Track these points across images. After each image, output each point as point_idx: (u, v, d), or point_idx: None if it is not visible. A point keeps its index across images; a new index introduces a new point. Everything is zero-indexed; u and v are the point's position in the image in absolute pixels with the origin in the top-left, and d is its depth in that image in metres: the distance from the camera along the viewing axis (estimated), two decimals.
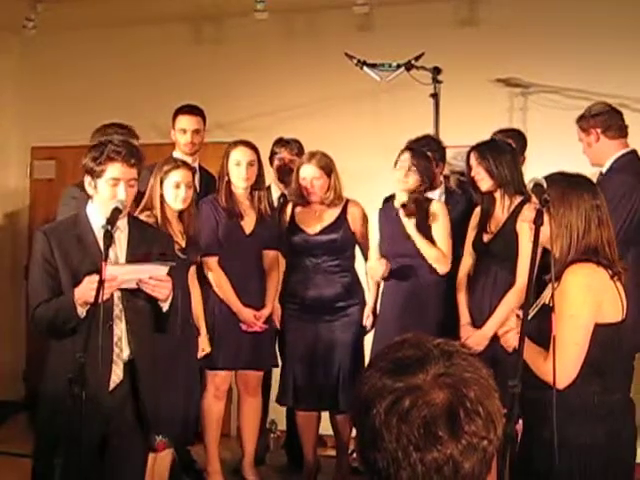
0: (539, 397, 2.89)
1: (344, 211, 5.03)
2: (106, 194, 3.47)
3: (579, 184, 3.07)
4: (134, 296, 3.50)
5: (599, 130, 4.61)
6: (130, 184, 3.49)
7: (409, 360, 1.42)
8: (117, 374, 3.51)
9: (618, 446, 2.98)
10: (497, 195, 4.52)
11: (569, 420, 2.85)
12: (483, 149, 4.52)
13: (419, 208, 4.70)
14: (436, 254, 4.67)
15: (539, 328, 2.94)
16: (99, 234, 3.42)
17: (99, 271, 3.19)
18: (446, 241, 4.72)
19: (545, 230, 2.99)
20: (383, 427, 1.37)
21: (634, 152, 4.64)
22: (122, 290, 3.46)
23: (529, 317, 3.02)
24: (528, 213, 3.13)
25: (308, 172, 4.96)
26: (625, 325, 3.00)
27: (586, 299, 2.92)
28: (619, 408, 3.01)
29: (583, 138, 4.69)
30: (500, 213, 4.52)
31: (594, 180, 4.47)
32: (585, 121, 4.66)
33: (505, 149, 4.57)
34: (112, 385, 3.50)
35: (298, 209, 5.09)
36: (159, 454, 4.56)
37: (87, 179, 3.52)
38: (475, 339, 4.38)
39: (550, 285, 3.02)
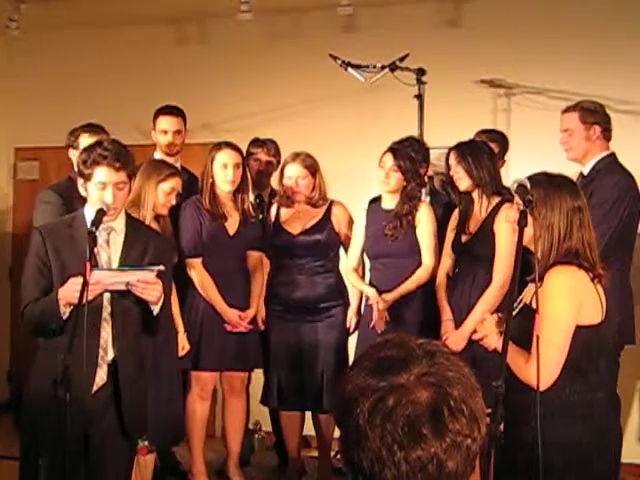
0: (520, 398, 2.91)
1: (328, 212, 5.03)
2: (95, 197, 3.47)
3: (561, 185, 3.08)
4: (123, 298, 3.49)
5: (600, 127, 4.60)
6: (118, 187, 3.47)
7: (392, 360, 1.43)
8: (101, 376, 3.50)
9: (601, 445, 2.99)
10: (475, 195, 4.55)
11: (549, 420, 2.86)
12: (463, 149, 4.55)
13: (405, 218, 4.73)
14: (423, 279, 4.71)
15: (519, 328, 2.95)
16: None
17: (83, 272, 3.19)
18: (430, 243, 4.75)
19: (528, 231, 3.01)
20: (367, 426, 1.37)
21: (614, 155, 4.66)
22: (112, 292, 3.47)
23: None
24: (512, 213, 3.15)
25: (293, 171, 4.96)
26: (607, 325, 3.01)
27: (567, 302, 2.93)
28: (601, 406, 3.02)
29: (579, 129, 4.61)
30: (478, 213, 4.55)
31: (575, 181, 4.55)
32: (590, 114, 4.60)
33: (484, 150, 4.60)
34: (95, 388, 3.48)
35: (282, 210, 5.10)
36: (143, 458, 4.58)
37: (80, 181, 3.53)
38: (454, 339, 4.39)
39: (530, 285, 3.04)
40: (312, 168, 4.97)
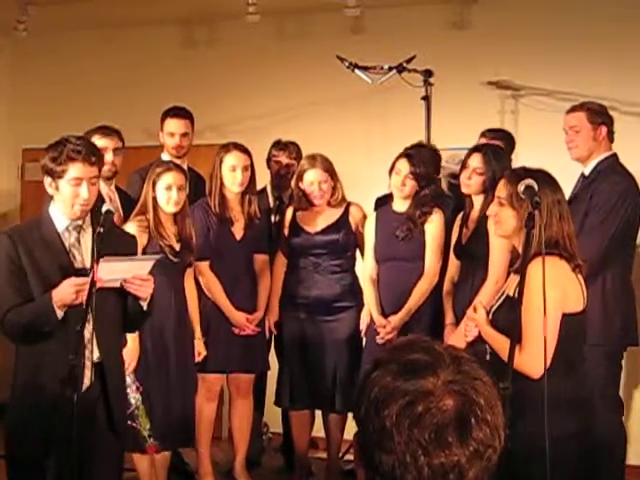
0: (515, 390, 2.92)
1: (346, 212, 5.02)
2: (68, 194, 3.41)
3: (540, 179, 3.12)
4: (103, 298, 3.39)
5: (607, 128, 4.61)
6: (92, 182, 3.44)
7: (420, 364, 1.42)
8: (88, 377, 3.44)
9: (593, 437, 3.03)
10: (480, 197, 4.53)
11: (542, 412, 2.88)
12: (488, 153, 4.53)
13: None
14: (425, 288, 4.71)
15: (505, 320, 2.99)
16: (64, 235, 3.44)
17: (72, 272, 3.25)
18: (434, 252, 4.74)
19: (509, 223, 3.15)
20: (394, 429, 1.36)
21: (616, 155, 4.66)
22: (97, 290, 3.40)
23: (493, 309, 3.17)
24: (493, 207, 3.25)
25: (314, 176, 4.92)
26: (585, 315, 3.09)
27: (551, 290, 2.96)
28: (593, 399, 3.08)
29: (586, 129, 4.61)
30: (476, 213, 4.54)
31: (575, 181, 4.58)
32: (597, 115, 4.61)
33: (506, 157, 4.63)
34: (83, 388, 3.41)
35: (299, 211, 5.08)
36: (156, 456, 4.60)
37: (47, 180, 3.45)
38: (453, 340, 4.36)
39: (511, 276, 3.16)
40: (331, 170, 4.96)
